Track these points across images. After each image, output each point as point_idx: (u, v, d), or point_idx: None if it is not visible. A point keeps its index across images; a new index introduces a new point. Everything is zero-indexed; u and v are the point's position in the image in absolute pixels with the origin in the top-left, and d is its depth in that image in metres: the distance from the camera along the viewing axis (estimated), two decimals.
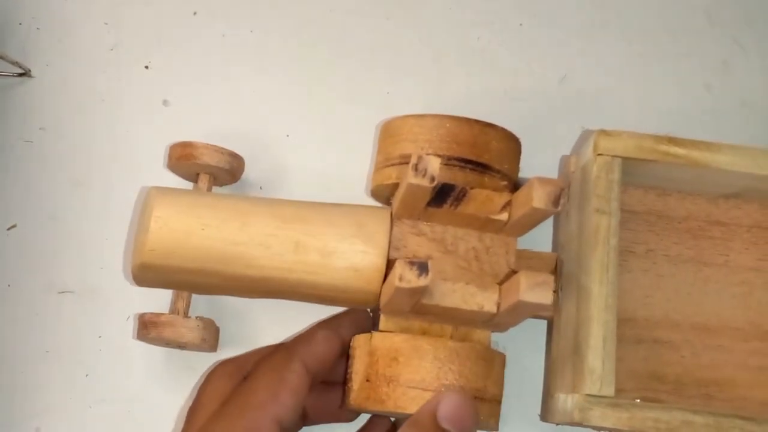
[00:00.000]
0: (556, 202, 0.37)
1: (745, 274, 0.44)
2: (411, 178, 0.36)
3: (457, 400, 0.36)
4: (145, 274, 0.40)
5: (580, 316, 0.39)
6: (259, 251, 0.40)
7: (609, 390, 0.37)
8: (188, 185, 0.46)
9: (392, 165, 0.41)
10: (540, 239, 0.45)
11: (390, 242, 0.40)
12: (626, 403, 0.37)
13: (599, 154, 0.40)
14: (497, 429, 0.39)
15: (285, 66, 0.49)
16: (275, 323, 0.45)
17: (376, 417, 0.43)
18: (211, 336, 0.42)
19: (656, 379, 0.42)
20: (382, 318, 0.40)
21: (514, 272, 0.40)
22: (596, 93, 0.50)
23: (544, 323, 0.44)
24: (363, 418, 0.43)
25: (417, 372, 0.38)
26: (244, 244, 0.40)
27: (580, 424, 0.37)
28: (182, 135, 0.45)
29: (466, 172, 0.40)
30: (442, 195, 0.39)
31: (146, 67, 0.49)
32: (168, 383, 0.44)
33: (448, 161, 0.40)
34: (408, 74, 0.49)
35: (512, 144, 0.42)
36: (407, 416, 0.37)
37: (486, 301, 0.37)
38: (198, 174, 0.44)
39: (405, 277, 0.34)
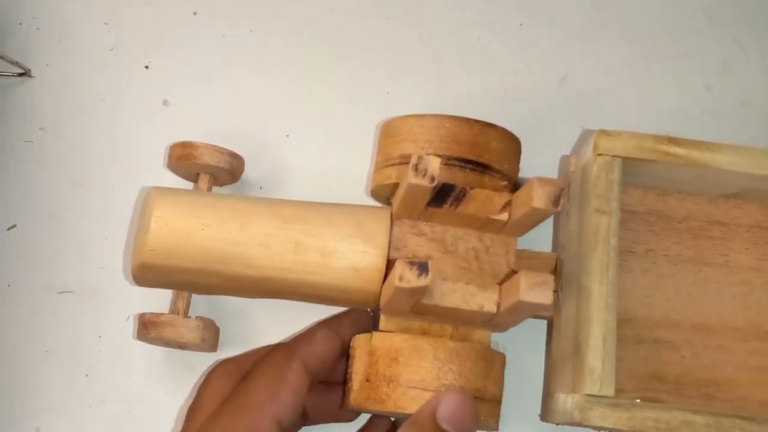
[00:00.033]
0: (556, 202, 0.37)
1: (745, 274, 0.44)
2: (411, 178, 0.36)
3: (457, 400, 0.36)
4: (145, 274, 0.40)
5: (580, 316, 0.39)
6: (259, 251, 0.40)
7: (609, 390, 0.37)
8: (188, 185, 0.46)
9: (392, 165, 0.41)
10: (540, 239, 0.45)
11: (390, 242, 0.40)
12: (626, 403, 0.37)
13: (599, 154, 0.40)
14: (497, 429, 0.39)
15: (285, 66, 0.49)
16: (275, 323, 0.45)
17: (376, 417, 0.43)
18: (211, 336, 0.42)
19: (656, 379, 0.42)
20: (382, 318, 0.40)
21: (514, 272, 0.40)
22: (596, 93, 0.50)
23: (544, 323, 0.44)
24: (363, 418, 0.43)
25: (417, 372, 0.38)
26: (244, 244, 0.40)
27: (580, 424, 0.37)
28: (182, 135, 0.45)
29: (466, 172, 0.40)
30: (442, 195, 0.39)
31: (146, 67, 0.49)
32: (168, 383, 0.44)
33: (448, 161, 0.40)
34: (408, 74, 0.49)
35: (512, 144, 0.42)
36: (407, 416, 0.37)
37: (486, 301, 0.37)
38: (198, 174, 0.44)
39: (405, 277, 0.34)
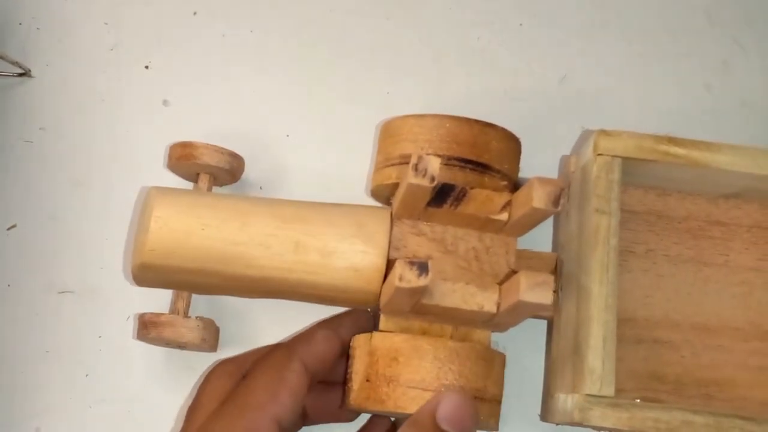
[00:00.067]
0: (556, 202, 0.37)
1: (745, 274, 0.44)
2: (411, 178, 0.36)
3: (457, 401, 0.36)
4: (145, 274, 0.40)
5: (580, 316, 0.39)
6: (259, 251, 0.40)
7: (609, 390, 0.37)
8: (188, 185, 0.46)
9: (392, 165, 0.41)
10: (540, 239, 0.45)
11: (390, 242, 0.40)
12: (626, 403, 0.37)
13: (599, 154, 0.40)
14: (497, 429, 0.39)
15: (285, 66, 0.49)
16: (275, 323, 0.45)
17: (376, 417, 0.43)
18: (211, 336, 0.42)
19: (656, 379, 0.42)
20: (382, 318, 0.40)
21: (514, 272, 0.40)
22: (596, 93, 0.50)
23: (544, 323, 0.44)
24: (363, 418, 0.43)
25: (417, 372, 0.38)
26: (244, 244, 0.40)
27: (580, 424, 0.37)
28: (182, 135, 0.45)
29: (466, 172, 0.40)
30: (442, 195, 0.39)
31: (146, 67, 0.49)
32: (168, 383, 0.44)
33: (448, 161, 0.40)
34: (408, 74, 0.49)
35: (512, 144, 0.42)
36: (407, 416, 0.37)
37: (486, 301, 0.37)
38: (198, 174, 0.44)
39: (405, 277, 0.34)
